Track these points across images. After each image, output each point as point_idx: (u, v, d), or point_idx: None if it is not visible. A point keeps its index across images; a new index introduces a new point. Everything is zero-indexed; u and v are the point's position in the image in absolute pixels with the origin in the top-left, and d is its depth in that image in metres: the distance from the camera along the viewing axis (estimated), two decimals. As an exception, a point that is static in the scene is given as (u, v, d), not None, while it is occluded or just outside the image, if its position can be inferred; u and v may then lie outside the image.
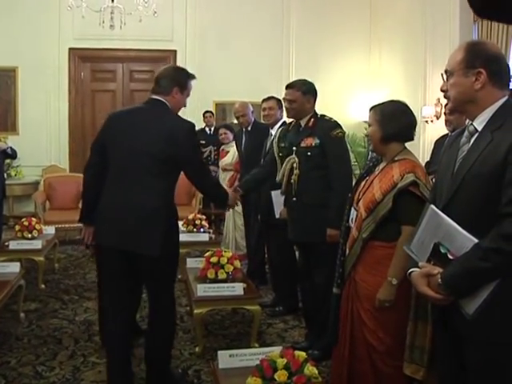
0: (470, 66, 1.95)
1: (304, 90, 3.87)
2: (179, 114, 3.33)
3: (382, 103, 2.86)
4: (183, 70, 3.39)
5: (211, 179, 3.43)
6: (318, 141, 3.75)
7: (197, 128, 8.94)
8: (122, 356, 3.21)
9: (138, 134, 3.07)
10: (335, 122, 3.85)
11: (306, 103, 3.86)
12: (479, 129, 1.97)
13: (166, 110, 3.18)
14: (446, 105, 2.17)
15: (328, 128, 3.78)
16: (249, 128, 5.58)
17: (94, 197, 3.20)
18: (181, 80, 3.27)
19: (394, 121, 2.74)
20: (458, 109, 2.08)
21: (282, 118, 5.01)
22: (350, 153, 8.72)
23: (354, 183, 3.04)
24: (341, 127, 3.83)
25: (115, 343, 3.20)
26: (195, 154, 3.27)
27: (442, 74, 2.09)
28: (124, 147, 3.10)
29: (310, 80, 4.02)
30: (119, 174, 3.11)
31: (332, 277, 3.40)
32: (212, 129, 8.61)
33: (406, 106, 2.85)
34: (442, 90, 2.10)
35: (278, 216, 4.58)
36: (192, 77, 3.38)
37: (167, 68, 3.39)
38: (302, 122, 3.89)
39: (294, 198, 3.88)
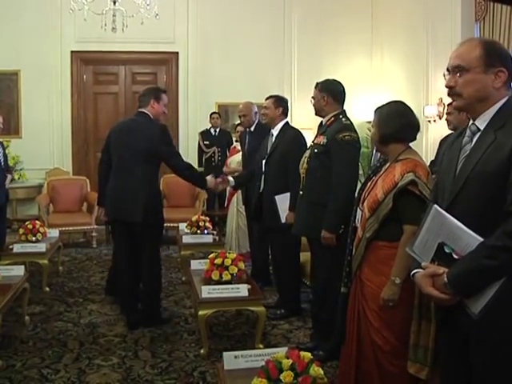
0: (490, 64, 1.93)
1: (320, 88, 3.97)
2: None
3: (383, 105, 2.88)
4: (156, 87, 4.92)
5: (184, 163, 4.52)
6: (325, 140, 3.80)
7: (201, 129, 9.01)
8: (131, 293, 4.48)
9: (129, 137, 4.36)
10: (347, 124, 3.83)
11: (322, 100, 3.93)
12: (481, 128, 1.96)
13: (147, 118, 4.43)
14: (450, 103, 2.12)
15: (335, 130, 3.79)
16: (252, 128, 5.60)
17: (106, 184, 4.51)
18: (155, 93, 4.51)
19: (390, 122, 2.77)
20: (469, 106, 2.01)
21: (283, 118, 4.92)
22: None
23: (361, 184, 3.04)
24: (351, 130, 3.81)
25: (126, 283, 4.47)
26: (168, 146, 4.43)
27: (444, 74, 2.07)
28: (120, 147, 4.40)
29: (312, 80, 4.09)
30: (117, 166, 4.43)
31: (334, 276, 3.46)
32: (217, 130, 8.60)
33: (404, 106, 2.86)
34: (448, 86, 2.03)
35: (283, 221, 4.57)
36: (163, 91, 4.70)
37: (146, 88, 4.70)
38: (324, 121, 3.96)
39: (301, 192, 3.98)
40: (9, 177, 6.51)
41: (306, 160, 3.93)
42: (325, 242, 3.73)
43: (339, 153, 3.72)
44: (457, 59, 1.99)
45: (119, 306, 4.75)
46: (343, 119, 3.87)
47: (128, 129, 4.43)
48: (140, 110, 4.46)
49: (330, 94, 3.93)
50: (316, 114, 4.06)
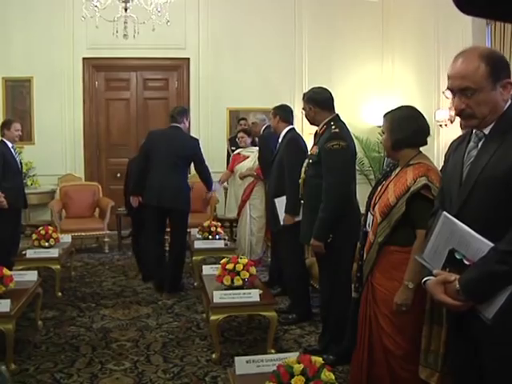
0: (496, 79, 1.89)
1: (306, 99, 4.01)
2: (192, 121, 4.92)
3: (393, 110, 2.87)
4: (186, 108, 6.38)
5: (208, 169, 5.97)
6: (317, 151, 3.82)
7: (228, 136, 8.98)
8: (161, 263, 5.72)
9: (171, 144, 5.59)
10: (335, 133, 3.75)
11: (310, 111, 3.97)
12: (486, 132, 1.95)
13: (182, 131, 5.80)
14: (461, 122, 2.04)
15: (325, 139, 3.77)
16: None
17: (142, 178, 5.64)
18: (185, 113, 5.88)
19: (402, 127, 2.75)
20: (482, 123, 1.95)
21: (285, 125, 5.00)
22: (365, 158, 8.75)
23: (371, 188, 3.03)
24: (340, 138, 3.72)
25: (158, 256, 5.74)
26: (201, 155, 5.86)
27: (443, 92, 2.00)
28: (163, 152, 5.56)
29: (324, 86, 4.11)
30: (161, 166, 5.55)
31: (338, 280, 3.57)
32: None
33: (415, 111, 2.84)
34: (458, 109, 1.95)
35: (282, 223, 4.65)
36: (188, 109, 6.55)
37: (177, 108, 6.05)
38: (318, 130, 3.96)
39: (302, 201, 4.07)
40: None
41: (303, 170, 3.97)
42: (314, 249, 3.83)
43: (327, 162, 3.72)
44: (463, 81, 1.91)
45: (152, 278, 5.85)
46: (333, 127, 3.79)
47: (171, 138, 5.65)
48: (175, 124, 5.72)
49: (316, 104, 3.92)
50: (311, 124, 4.08)
